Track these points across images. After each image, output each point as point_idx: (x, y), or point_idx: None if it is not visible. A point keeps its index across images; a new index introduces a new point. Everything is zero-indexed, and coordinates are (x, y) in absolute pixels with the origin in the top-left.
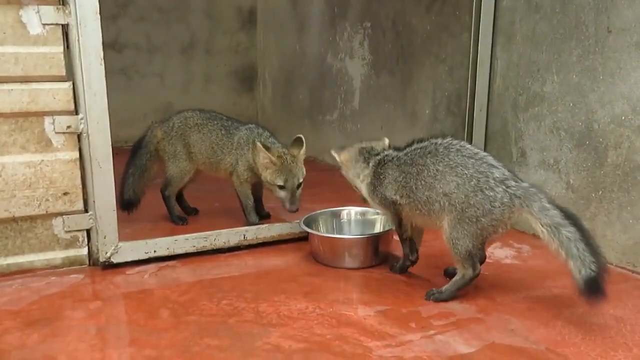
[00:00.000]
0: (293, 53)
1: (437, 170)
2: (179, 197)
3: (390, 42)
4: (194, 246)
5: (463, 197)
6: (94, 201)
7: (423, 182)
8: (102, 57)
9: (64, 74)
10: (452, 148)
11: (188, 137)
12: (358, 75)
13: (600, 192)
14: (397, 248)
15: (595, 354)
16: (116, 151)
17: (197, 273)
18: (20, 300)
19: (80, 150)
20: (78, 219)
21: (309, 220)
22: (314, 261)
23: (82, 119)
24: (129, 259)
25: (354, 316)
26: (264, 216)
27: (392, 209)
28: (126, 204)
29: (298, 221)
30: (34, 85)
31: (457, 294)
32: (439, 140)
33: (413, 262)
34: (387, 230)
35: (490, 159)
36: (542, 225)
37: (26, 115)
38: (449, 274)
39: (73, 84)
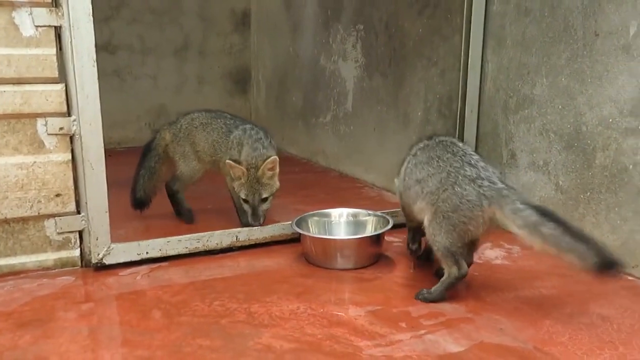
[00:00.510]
0: (287, 55)
1: (419, 160)
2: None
3: (383, 45)
4: (187, 247)
5: (434, 189)
6: (86, 203)
7: (408, 170)
8: (94, 59)
9: (56, 75)
10: (442, 143)
11: (194, 137)
12: (351, 77)
13: (589, 194)
14: (389, 249)
15: (582, 352)
16: (109, 153)
17: (189, 274)
18: (12, 301)
19: (72, 151)
20: (70, 220)
21: (300, 221)
22: (306, 262)
23: (74, 120)
24: (122, 261)
25: (344, 316)
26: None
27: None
28: (138, 202)
29: (290, 222)
30: (27, 87)
31: (447, 295)
32: (442, 138)
33: (412, 252)
34: (379, 231)
35: (473, 158)
36: (518, 228)
37: (19, 116)
38: (439, 275)
39: (66, 85)
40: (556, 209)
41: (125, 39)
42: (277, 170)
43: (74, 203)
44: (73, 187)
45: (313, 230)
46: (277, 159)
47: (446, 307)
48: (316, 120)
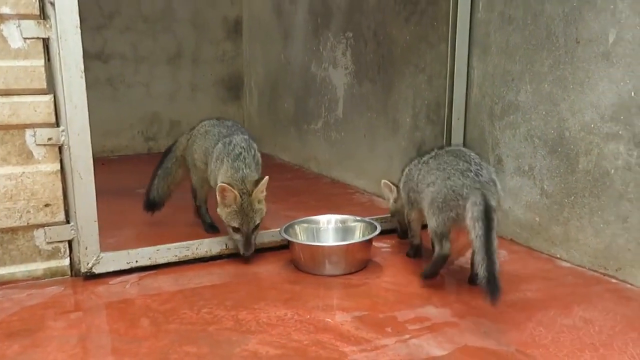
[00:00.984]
0: (278, 62)
1: (431, 167)
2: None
3: (372, 52)
4: (176, 255)
5: (437, 187)
6: (75, 212)
7: (421, 177)
8: (82, 70)
9: (45, 87)
10: (450, 151)
11: (196, 144)
12: (341, 84)
13: (573, 197)
14: (377, 254)
15: (563, 354)
16: (102, 161)
17: (178, 282)
18: (1, 311)
19: (61, 162)
20: (59, 230)
21: (289, 228)
22: (294, 269)
23: (63, 131)
24: (111, 270)
25: (331, 322)
26: None
27: None
28: (150, 204)
29: (279, 229)
30: (15, 99)
31: (437, 271)
32: (451, 147)
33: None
34: (367, 237)
35: (471, 157)
36: (467, 219)
37: (7, 128)
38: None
39: (54, 96)
40: (542, 213)
41: (118, 48)
42: (265, 193)
43: (63, 213)
44: (62, 197)
45: (301, 237)
46: (267, 178)
47: (432, 312)
48: (308, 126)
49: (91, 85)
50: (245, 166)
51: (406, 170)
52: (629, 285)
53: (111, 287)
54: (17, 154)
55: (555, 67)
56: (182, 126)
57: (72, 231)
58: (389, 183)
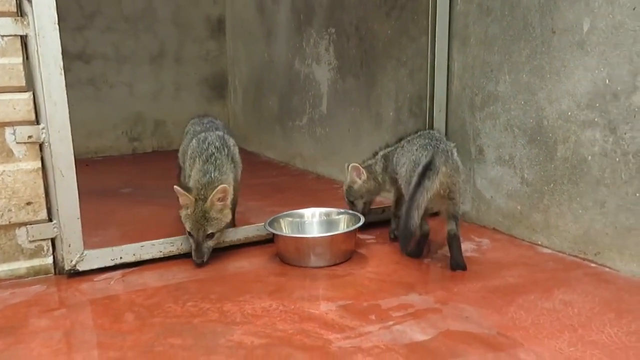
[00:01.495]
0: (262, 60)
1: (405, 150)
2: None
3: (354, 47)
4: (161, 251)
5: (406, 166)
6: (57, 210)
7: (396, 159)
8: (62, 67)
9: (23, 84)
10: (421, 135)
11: (183, 143)
12: (325, 80)
13: (552, 185)
14: (361, 246)
15: (543, 336)
16: (86, 162)
17: (163, 277)
18: None
19: (42, 159)
20: (42, 228)
21: (273, 222)
22: (280, 262)
23: (43, 128)
24: (95, 267)
25: (316, 312)
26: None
27: None
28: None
29: (264, 223)
30: None
31: (421, 251)
32: (422, 131)
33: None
34: (351, 229)
35: (433, 134)
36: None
37: None
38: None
39: (33, 94)
40: (523, 201)
41: (99, 48)
42: (229, 200)
43: (45, 211)
44: (44, 195)
45: (286, 230)
46: (227, 187)
47: (415, 299)
48: (292, 123)
49: (73, 85)
50: (214, 169)
51: (381, 153)
52: (607, 269)
53: (95, 284)
54: None
55: (532, 57)
56: (167, 126)
57: (55, 229)
58: (359, 166)
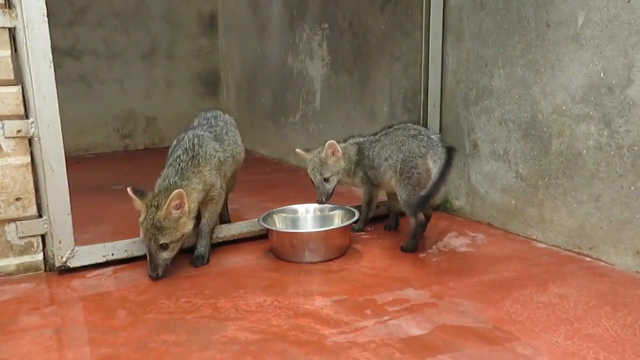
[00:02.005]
0: (255, 56)
1: (384, 143)
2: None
3: (348, 43)
4: None
5: (395, 158)
6: (47, 206)
7: (375, 153)
8: (51, 60)
9: (12, 77)
10: (398, 128)
11: None
12: (318, 75)
13: (547, 179)
14: (356, 241)
15: (539, 329)
16: (77, 159)
17: None
18: None
19: (31, 154)
20: (32, 224)
21: (267, 217)
22: (274, 257)
23: (32, 123)
24: (86, 263)
25: (311, 307)
26: (223, 221)
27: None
28: None
29: (257, 219)
30: None
31: (418, 244)
32: (397, 125)
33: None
34: (345, 224)
35: (420, 128)
36: (433, 162)
37: None
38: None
39: (22, 87)
40: (517, 196)
41: (90, 44)
42: (186, 207)
43: (35, 206)
44: (33, 191)
45: (280, 226)
46: (182, 192)
47: (411, 294)
48: (286, 119)
49: (64, 82)
50: (176, 173)
51: (354, 141)
52: (602, 263)
53: (87, 280)
54: None
55: (527, 51)
56: (159, 123)
57: (45, 225)
58: (335, 143)
